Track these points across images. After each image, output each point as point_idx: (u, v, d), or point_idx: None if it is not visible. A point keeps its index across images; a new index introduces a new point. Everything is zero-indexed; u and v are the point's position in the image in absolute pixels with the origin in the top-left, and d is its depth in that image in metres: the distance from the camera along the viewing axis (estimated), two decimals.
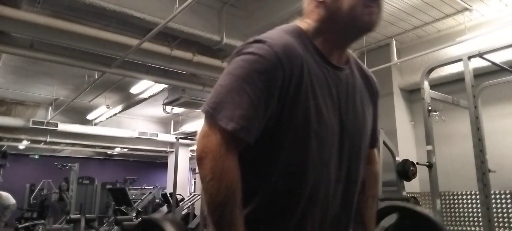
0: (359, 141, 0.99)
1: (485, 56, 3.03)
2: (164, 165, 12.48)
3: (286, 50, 0.85)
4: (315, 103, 0.88)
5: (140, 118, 9.69)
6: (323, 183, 0.91)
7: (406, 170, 3.91)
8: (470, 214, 4.62)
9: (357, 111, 0.99)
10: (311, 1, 0.97)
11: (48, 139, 9.07)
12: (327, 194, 0.92)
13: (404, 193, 4.00)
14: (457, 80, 4.26)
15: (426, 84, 3.28)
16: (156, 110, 8.51)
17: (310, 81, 0.88)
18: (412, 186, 4.67)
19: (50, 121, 8.01)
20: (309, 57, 0.90)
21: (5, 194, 9.14)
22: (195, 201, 7.05)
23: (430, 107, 3.23)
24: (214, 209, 0.80)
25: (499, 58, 3.55)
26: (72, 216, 7.35)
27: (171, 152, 10.75)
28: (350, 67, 1.01)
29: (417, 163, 3.74)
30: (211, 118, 0.82)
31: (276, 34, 0.89)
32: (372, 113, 1.07)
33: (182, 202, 7.75)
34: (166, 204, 8.20)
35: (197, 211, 6.58)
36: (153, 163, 15.24)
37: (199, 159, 0.82)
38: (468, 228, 4.60)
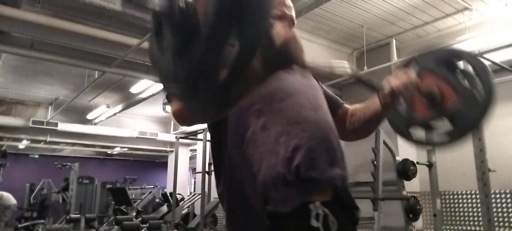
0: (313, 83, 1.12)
1: (485, 56, 3.04)
2: (164, 165, 12.47)
3: None
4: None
5: (140, 117, 9.69)
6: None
7: (406, 170, 3.90)
8: (470, 214, 4.62)
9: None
10: None
11: (48, 139, 9.07)
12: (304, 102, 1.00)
13: (404, 193, 4.00)
14: None
15: None
16: (156, 110, 8.51)
17: None
18: (412, 186, 4.66)
19: (50, 121, 8.00)
20: None
21: (6, 194, 9.15)
22: (195, 201, 7.05)
23: None
24: None
25: (499, 57, 3.55)
26: (72, 215, 7.36)
27: (171, 151, 10.74)
28: None
29: (417, 163, 3.74)
30: None
31: None
32: (320, 87, 1.19)
33: (182, 201, 7.75)
34: (166, 204, 8.20)
35: (197, 211, 6.58)
36: (153, 163, 15.23)
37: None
38: (468, 228, 4.60)
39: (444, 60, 1.12)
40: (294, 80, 1.04)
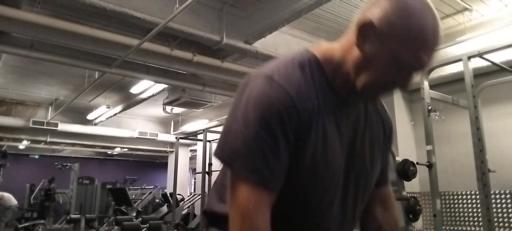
0: (365, 182, 0.97)
1: (485, 56, 3.03)
2: (164, 165, 12.48)
3: (299, 91, 0.82)
4: (323, 146, 0.85)
5: (140, 117, 9.69)
6: (326, 225, 0.91)
7: (406, 170, 3.90)
8: (470, 214, 4.62)
9: (365, 151, 0.96)
10: (356, 34, 0.82)
11: (48, 139, 9.08)
12: None
13: (404, 193, 4.00)
14: (457, 80, 4.26)
15: (426, 84, 3.27)
16: (156, 110, 8.51)
17: (322, 125, 0.85)
18: (412, 186, 4.67)
19: (50, 121, 8.01)
20: (320, 96, 0.86)
21: (7, 195, 9.15)
22: (195, 201, 7.05)
23: (430, 107, 3.23)
24: None
25: (499, 58, 3.54)
26: (72, 216, 7.36)
27: (171, 152, 10.75)
28: (363, 102, 0.96)
29: (417, 163, 3.74)
30: (232, 168, 0.81)
31: (288, 69, 0.84)
32: (383, 151, 1.04)
33: (182, 202, 7.76)
34: (166, 204, 8.20)
35: (197, 211, 6.58)
36: (153, 163, 15.25)
37: (231, 214, 0.81)
38: (468, 228, 4.60)
39: None
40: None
